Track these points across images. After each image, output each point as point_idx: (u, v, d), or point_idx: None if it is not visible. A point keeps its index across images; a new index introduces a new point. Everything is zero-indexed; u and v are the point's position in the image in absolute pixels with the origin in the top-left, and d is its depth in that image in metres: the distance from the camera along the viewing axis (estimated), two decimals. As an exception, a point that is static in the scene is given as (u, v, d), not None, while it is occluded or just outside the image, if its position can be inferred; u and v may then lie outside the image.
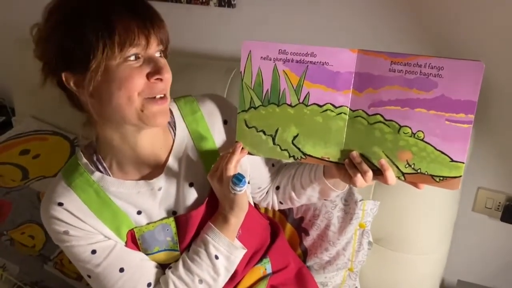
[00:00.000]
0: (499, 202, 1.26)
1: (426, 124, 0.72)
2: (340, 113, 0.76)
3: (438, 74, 0.69)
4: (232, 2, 1.41)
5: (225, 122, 0.90)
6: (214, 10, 1.46)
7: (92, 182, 0.82)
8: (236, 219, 0.84)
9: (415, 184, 0.76)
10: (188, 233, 0.86)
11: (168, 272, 0.86)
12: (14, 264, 1.21)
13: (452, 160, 0.72)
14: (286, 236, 1.16)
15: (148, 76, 0.74)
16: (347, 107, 0.75)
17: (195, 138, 0.88)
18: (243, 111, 0.81)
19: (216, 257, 0.84)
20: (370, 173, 0.75)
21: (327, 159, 0.80)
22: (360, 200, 1.11)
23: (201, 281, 0.84)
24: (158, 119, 0.77)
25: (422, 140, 0.72)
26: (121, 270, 0.83)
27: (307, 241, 1.17)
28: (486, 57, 1.13)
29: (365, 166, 0.76)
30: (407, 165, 0.75)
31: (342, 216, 1.13)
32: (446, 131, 0.71)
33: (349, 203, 1.12)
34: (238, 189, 0.77)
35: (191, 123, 0.88)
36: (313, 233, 1.15)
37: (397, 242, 1.16)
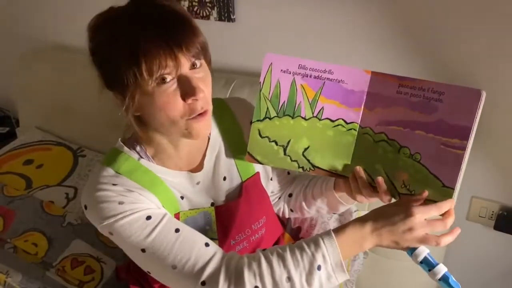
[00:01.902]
0: (493, 211, 1.27)
1: (423, 146, 0.72)
2: (351, 129, 0.78)
3: (439, 99, 0.71)
4: (232, 17, 1.45)
5: (251, 123, 0.92)
6: (214, 24, 1.50)
7: (140, 165, 0.83)
8: (362, 246, 0.74)
9: None
10: (226, 223, 0.90)
11: (259, 252, 0.76)
12: (17, 271, 1.22)
13: (444, 185, 0.72)
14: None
15: (183, 98, 0.75)
16: (357, 123, 0.78)
17: (227, 137, 0.93)
18: (258, 120, 0.84)
19: (319, 268, 0.72)
20: (366, 190, 0.78)
21: (334, 172, 0.82)
22: (355, 211, 1.13)
23: (289, 278, 0.72)
24: (201, 133, 0.79)
25: (418, 162, 0.73)
26: (177, 230, 0.78)
27: (305, 250, 1.18)
28: (481, 67, 1.15)
29: (364, 182, 0.77)
30: (403, 186, 0.76)
31: (337, 226, 1.14)
32: (441, 155, 0.71)
33: (344, 213, 1.14)
34: (412, 257, 0.74)
35: (222, 123, 0.93)
36: (310, 242, 1.17)
37: (392, 251, 1.15)
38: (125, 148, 0.85)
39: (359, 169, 0.79)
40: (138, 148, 0.86)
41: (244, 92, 1.34)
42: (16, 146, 1.63)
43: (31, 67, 1.76)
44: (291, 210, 1.06)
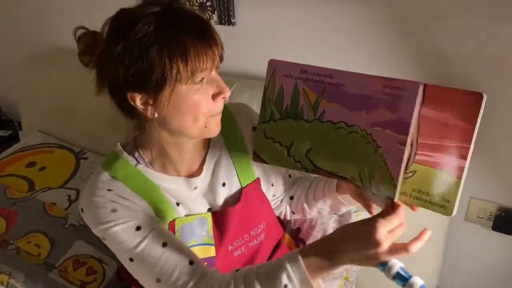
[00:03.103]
0: (491, 212, 1.28)
1: (386, 144, 0.73)
2: (352, 132, 0.79)
3: (398, 95, 0.72)
4: (232, 20, 1.47)
5: (253, 129, 0.94)
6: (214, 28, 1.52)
7: (137, 171, 0.85)
8: (328, 268, 0.72)
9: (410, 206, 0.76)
10: (223, 229, 0.90)
11: (231, 279, 0.77)
12: (20, 272, 1.23)
13: (393, 184, 0.72)
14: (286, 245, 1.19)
15: (214, 97, 0.78)
16: (358, 126, 0.78)
17: (227, 142, 0.93)
18: (263, 122, 0.85)
19: (285, 287, 0.72)
20: (366, 192, 0.77)
21: (336, 173, 0.83)
22: (354, 212, 1.14)
23: None
24: (216, 130, 0.82)
25: (384, 161, 0.73)
26: (164, 244, 0.80)
27: (304, 251, 1.19)
28: (477, 69, 1.17)
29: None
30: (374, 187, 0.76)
31: (337, 226, 1.16)
32: (396, 152, 0.71)
33: (344, 214, 1.15)
34: (385, 272, 0.70)
35: (224, 128, 0.90)
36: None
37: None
38: (124, 153, 0.86)
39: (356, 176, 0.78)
40: (136, 154, 0.87)
41: (244, 95, 1.36)
42: (18, 149, 1.64)
43: (34, 70, 1.78)
44: (293, 212, 1.06)
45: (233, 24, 1.47)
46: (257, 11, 1.42)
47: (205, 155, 0.91)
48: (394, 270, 0.69)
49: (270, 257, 1.04)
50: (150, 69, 0.72)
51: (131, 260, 0.80)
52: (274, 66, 0.82)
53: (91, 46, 0.79)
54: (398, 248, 0.68)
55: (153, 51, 0.71)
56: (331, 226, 1.15)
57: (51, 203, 1.42)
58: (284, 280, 0.71)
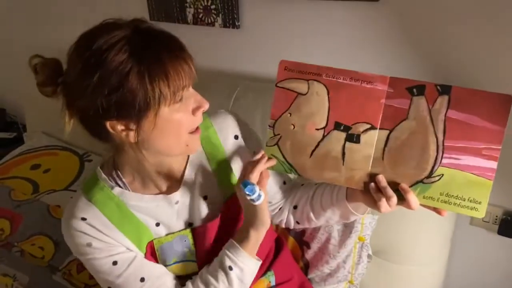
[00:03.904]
0: (497, 216, 1.28)
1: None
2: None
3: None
4: (236, 23, 1.47)
5: (235, 137, 0.92)
6: (219, 31, 1.52)
7: (113, 196, 0.83)
8: (256, 233, 0.84)
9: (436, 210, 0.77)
10: (204, 245, 0.89)
11: (188, 284, 0.87)
12: (24, 274, 1.24)
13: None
14: (289, 249, 1.18)
15: (193, 111, 0.77)
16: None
17: (208, 153, 0.90)
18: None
19: (230, 268, 0.84)
20: (394, 198, 0.75)
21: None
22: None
23: None
24: (196, 147, 0.82)
25: None
26: (142, 280, 0.84)
27: (309, 254, 1.19)
28: (482, 65, 1.16)
29: (390, 191, 0.75)
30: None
31: (342, 229, 1.15)
32: None
33: (349, 216, 1.15)
34: (249, 197, 0.78)
35: (204, 139, 0.89)
36: (314, 246, 1.18)
37: (396, 255, 1.18)
38: (102, 175, 0.85)
39: (381, 177, 0.77)
40: (115, 174, 0.86)
41: (248, 98, 1.36)
42: (23, 151, 1.65)
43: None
44: (297, 222, 1.02)
45: (237, 27, 1.47)
46: (261, 14, 1.43)
47: (185, 168, 0.89)
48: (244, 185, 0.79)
49: (272, 262, 1.04)
50: (132, 96, 0.69)
51: None
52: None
53: (52, 76, 0.74)
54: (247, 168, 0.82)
55: (133, 77, 0.68)
56: (335, 229, 1.15)
57: (56, 206, 1.42)
58: (227, 262, 0.84)
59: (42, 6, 1.95)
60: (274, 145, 0.84)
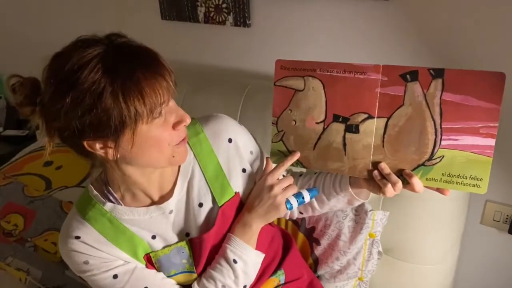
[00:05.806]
0: (507, 215, 1.27)
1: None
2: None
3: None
4: (247, 22, 1.48)
5: (229, 141, 0.90)
6: (230, 30, 1.53)
7: (105, 212, 0.83)
8: (256, 226, 0.88)
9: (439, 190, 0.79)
10: (202, 255, 0.89)
11: (194, 284, 0.90)
12: (38, 269, 1.25)
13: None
14: (298, 245, 1.19)
15: (174, 126, 0.76)
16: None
17: (200, 159, 0.89)
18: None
19: (235, 261, 0.86)
20: (400, 183, 0.76)
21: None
22: (370, 210, 1.14)
23: (224, 286, 0.87)
24: (184, 157, 0.81)
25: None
26: None
27: (318, 251, 1.20)
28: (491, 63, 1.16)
29: (394, 177, 0.77)
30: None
31: (352, 226, 1.15)
32: None
33: (359, 213, 1.15)
34: (290, 205, 0.86)
35: (195, 145, 0.88)
36: (324, 242, 1.18)
37: (406, 253, 1.18)
38: (94, 192, 0.85)
39: (384, 165, 0.79)
40: (105, 190, 0.85)
41: (259, 97, 1.36)
42: (36, 148, 1.67)
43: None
44: (300, 213, 1.02)
45: (248, 25, 1.48)
46: (273, 12, 1.43)
47: (177, 176, 0.88)
48: (294, 201, 0.86)
49: (281, 261, 1.04)
50: (107, 115, 0.68)
51: None
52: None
53: (30, 96, 0.73)
54: (278, 184, 0.85)
55: (106, 97, 0.67)
56: (346, 225, 1.15)
57: (68, 202, 1.43)
58: (231, 255, 0.86)
59: (55, 3, 1.97)
60: (279, 141, 0.88)
